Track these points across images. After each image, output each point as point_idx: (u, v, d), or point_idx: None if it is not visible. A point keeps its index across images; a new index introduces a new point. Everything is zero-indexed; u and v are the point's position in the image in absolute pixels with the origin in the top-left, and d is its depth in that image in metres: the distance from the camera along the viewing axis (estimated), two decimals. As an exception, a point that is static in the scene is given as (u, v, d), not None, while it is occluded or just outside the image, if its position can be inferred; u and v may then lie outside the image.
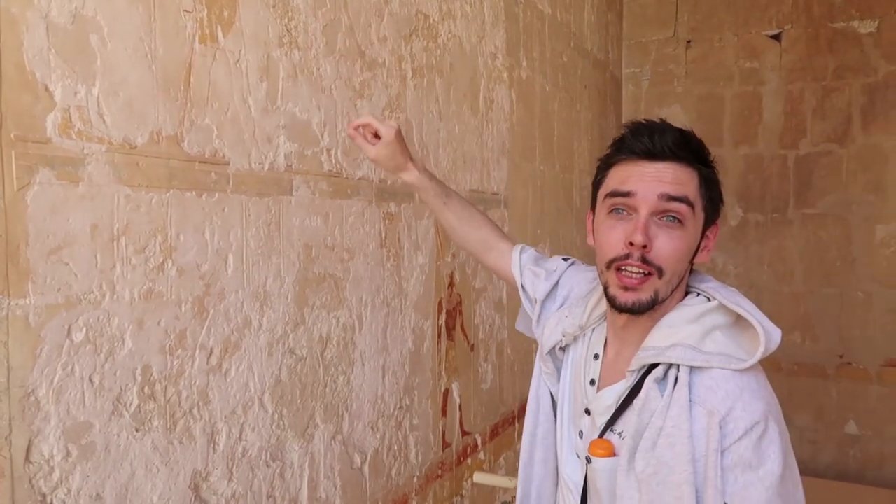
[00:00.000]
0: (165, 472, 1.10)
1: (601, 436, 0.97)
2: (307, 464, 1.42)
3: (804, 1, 3.62)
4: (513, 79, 2.45)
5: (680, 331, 0.93)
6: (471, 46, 2.12)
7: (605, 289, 0.96)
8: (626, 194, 0.93)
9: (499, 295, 2.36)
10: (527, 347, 2.58)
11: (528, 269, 1.25)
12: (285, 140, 1.35)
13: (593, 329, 1.08)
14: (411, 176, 1.28)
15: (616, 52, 3.90)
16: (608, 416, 0.97)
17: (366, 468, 1.62)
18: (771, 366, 3.51)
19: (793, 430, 3.45)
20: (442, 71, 1.94)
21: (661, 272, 0.92)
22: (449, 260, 2.00)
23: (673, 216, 0.92)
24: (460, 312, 2.06)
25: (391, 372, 1.71)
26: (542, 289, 1.20)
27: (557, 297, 1.19)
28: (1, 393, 0.87)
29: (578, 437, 1.04)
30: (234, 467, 1.23)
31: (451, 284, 2.01)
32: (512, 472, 2.41)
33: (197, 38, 1.15)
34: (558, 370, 1.12)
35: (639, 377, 0.95)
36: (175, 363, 1.11)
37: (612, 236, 0.94)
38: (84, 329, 0.97)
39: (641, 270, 0.91)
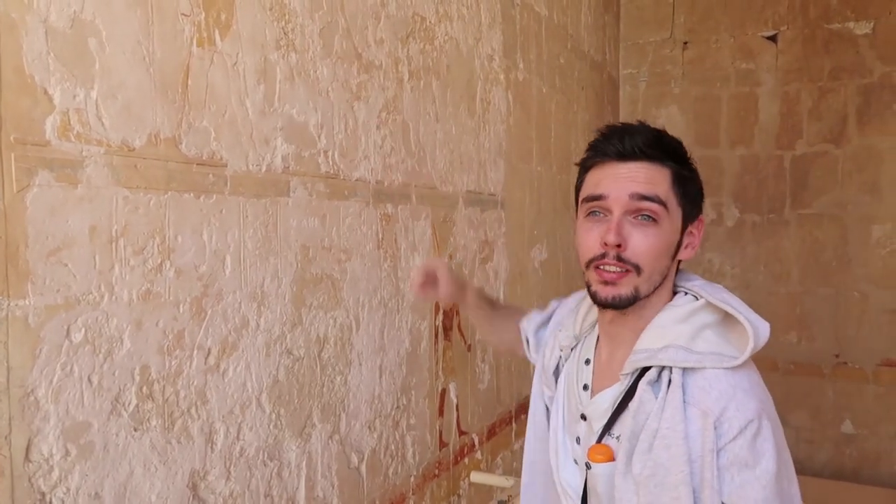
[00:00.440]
0: (163, 471, 1.11)
1: (599, 440, 0.97)
2: (304, 463, 1.43)
3: (800, 2, 3.63)
4: (509, 80, 2.46)
5: (670, 331, 0.94)
6: (467, 48, 2.13)
7: (588, 287, 0.98)
8: (600, 197, 0.96)
9: (496, 296, 2.37)
10: (524, 348, 2.58)
11: (532, 335, 1.31)
12: (282, 142, 1.35)
13: (585, 337, 1.10)
14: (469, 300, 1.40)
15: (613, 53, 3.91)
16: (605, 421, 0.97)
17: (363, 468, 1.63)
18: (767, 365, 3.53)
19: (789, 429, 3.48)
20: (439, 73, 1.95)
21: (638, 269, 0.93)
22: (446, 261, 2.00)
23: (647, 215, 0.94)
24: (457, 313, 2.07)
25: (388, 372, 1.72)
26: (536, 321, 1.29)
27: (551, 325, 1.25)
28: (1, 393, 0.88)
29: (576, 443, 1.04)
30: (232, 467, 1.24)
31: (448, 285, 2.02)
32: (509, 471, 2.42)
33: (194, 42, 1.16)
34: None
35: (632, 380, 0.95)
36: (173, 363, 1.12)
37: (589, 238, 0.96)
38: (83, 329, 0.98)
39: (618, 268, 0.93)
